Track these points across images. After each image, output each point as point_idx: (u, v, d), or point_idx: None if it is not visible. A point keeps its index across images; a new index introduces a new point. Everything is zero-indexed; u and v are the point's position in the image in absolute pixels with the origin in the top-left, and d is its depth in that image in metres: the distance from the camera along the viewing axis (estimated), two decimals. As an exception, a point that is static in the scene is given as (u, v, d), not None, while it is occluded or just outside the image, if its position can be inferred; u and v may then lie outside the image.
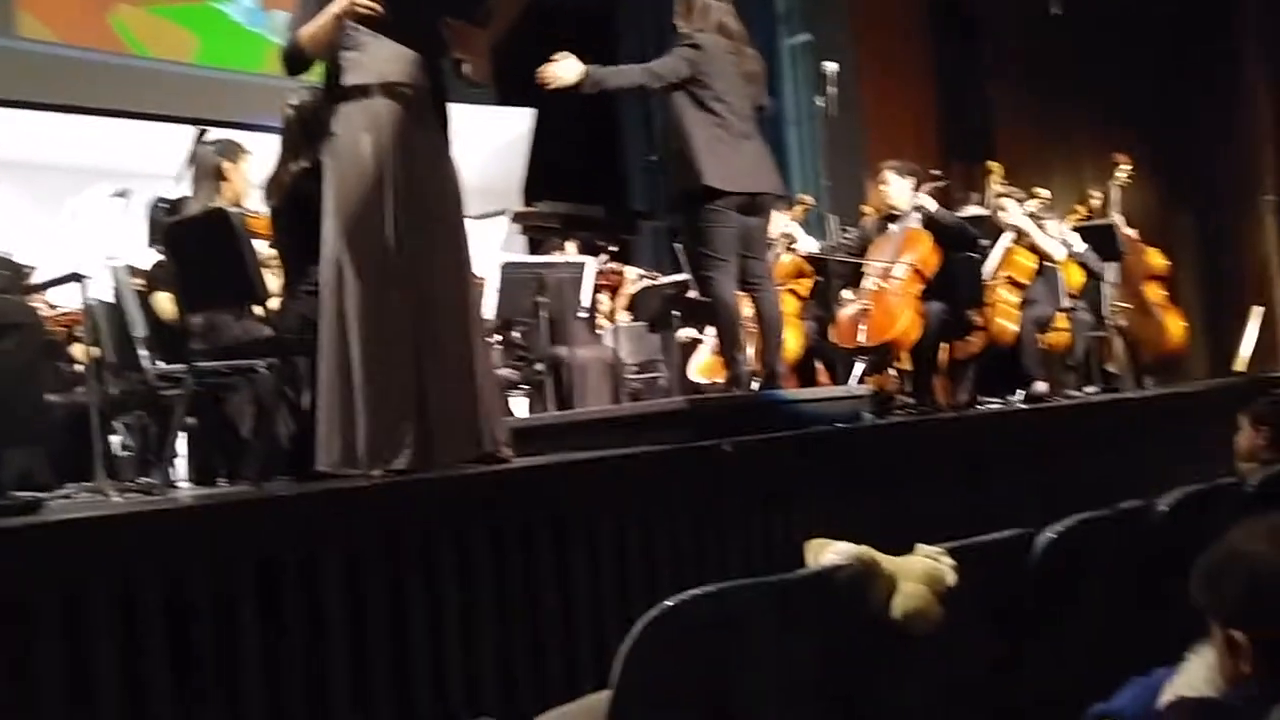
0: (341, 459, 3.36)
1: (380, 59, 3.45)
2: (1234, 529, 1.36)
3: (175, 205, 4.59)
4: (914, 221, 5.79)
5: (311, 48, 3.48)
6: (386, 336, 3.37)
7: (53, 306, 5.13)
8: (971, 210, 6.74)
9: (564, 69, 4.33)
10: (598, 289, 6.62)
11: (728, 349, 4.66)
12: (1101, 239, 6.76)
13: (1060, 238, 6.48)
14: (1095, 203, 7.60)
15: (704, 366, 6.46)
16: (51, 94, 7.23)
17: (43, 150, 7.20)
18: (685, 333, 6.76)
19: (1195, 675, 1.35)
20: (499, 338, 5.98)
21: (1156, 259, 7.51)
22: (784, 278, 6.34)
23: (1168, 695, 1.33)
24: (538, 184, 8.07)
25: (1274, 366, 7.88)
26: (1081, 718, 1.45)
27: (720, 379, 5.55)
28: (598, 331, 6.63)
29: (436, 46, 3.55)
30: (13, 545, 2.42)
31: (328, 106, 3.52)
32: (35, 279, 4.72)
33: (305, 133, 3.93)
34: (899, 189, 5.88)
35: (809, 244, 6.50)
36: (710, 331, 6.29)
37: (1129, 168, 7.50)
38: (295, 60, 3.54)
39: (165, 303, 4.50)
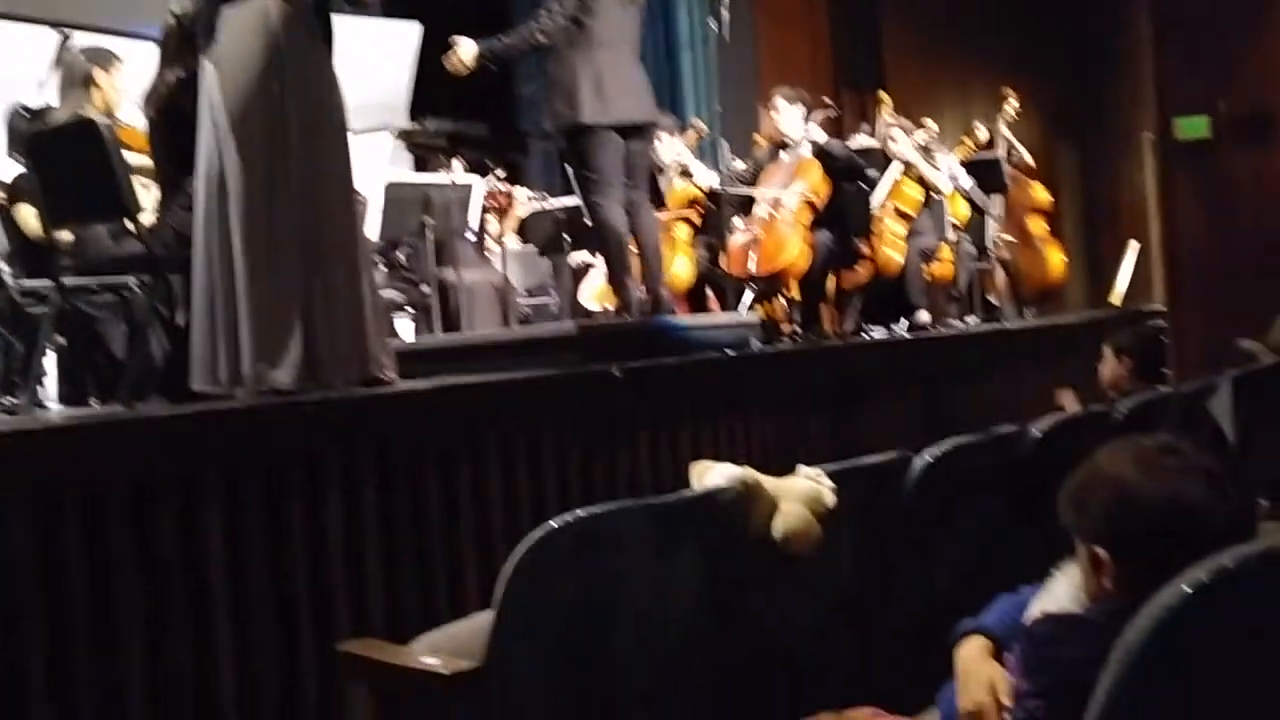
0: (226, 377, 3.27)
1: None
2: (1100, 450, 1.40)
3: (38, 113, 4.36)
4: (805, 150, 5.82)
5: None
6: (274, 250, 3.26)
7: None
8: (861, 140, 6.81)
9: (463, 53, 4.38)
10: (486, 210, 6.53)
11: (616, 274, 4.65)
12: (987, 172, 6.89)
13: (948, 170, 6.58)
14: (980, 135, 7.73)
15: (598, 293, 6.43)
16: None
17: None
18: (579, 257, 6.71)
19: (1060, 592, 1.40)
20: (383, 258, 5.87)
21: (1040, 193, 7.69)
22: (677, 205, 6.33)
23: (1033, 610, 1.38)
24: (424, 101, 7.87)
25: (1149, 300, 8.15)
26: (950, 633, 1.50)
27: (612, 305, 5.55)
28: (486, 254, 6.55)
29: None
30: None
31: (212, 12, 3.36)
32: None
33: (185, 42, 3.77)
34: (789, 116, 5.90)
35: (702, 171, 6.49)
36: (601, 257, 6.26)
37: (1016, 103, 7.63)
38: None
39: (29, 217, 4.30)
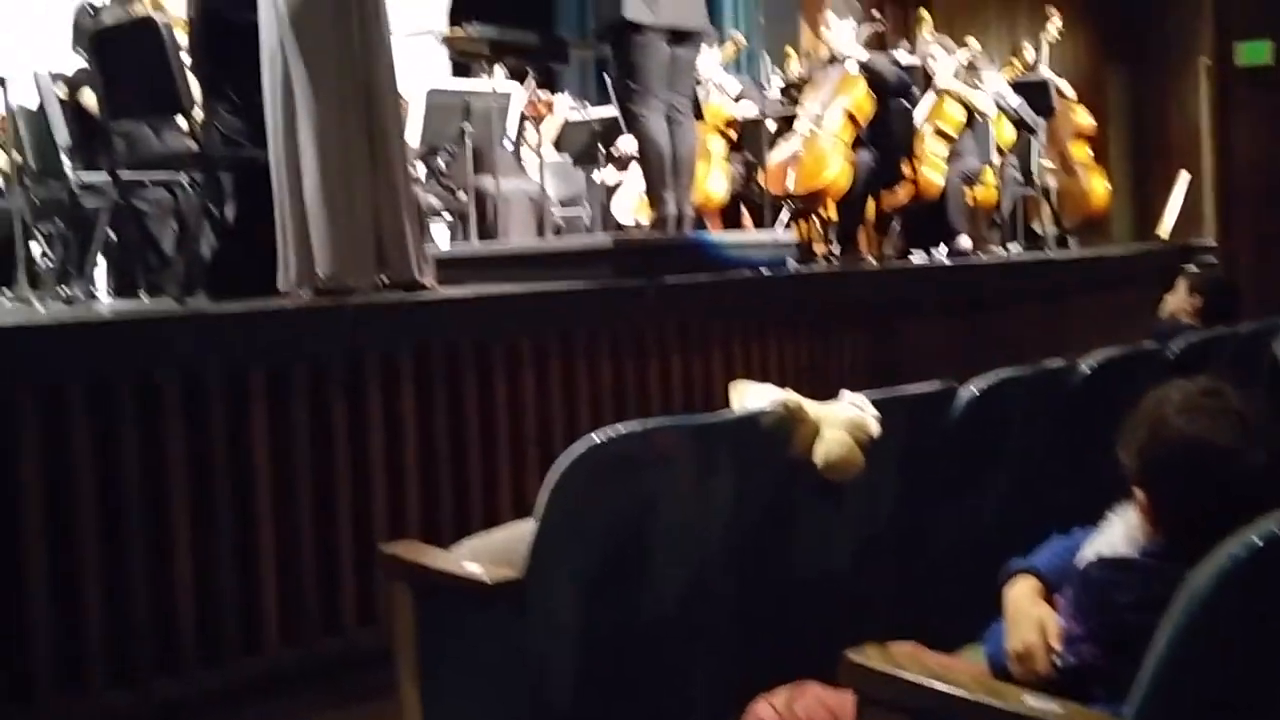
0: (296, 278, 3.30)
1: None
2: (1153, 390, 1.39)
3: (100, 11, 4.38)
4: (852, 66, 5.69)
5: None
6: (348, 161, 3.30)
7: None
8: (901, 57, 6.67)
9: None
10: (524, 119, 6.47)
11: (654, 188, 4.59)
12: (1035, 94, 6.74)
13: (994, 91, 6.44)
14: (1028, 56, 7.56)
15: (632, 206, 6.39)
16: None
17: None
18: (611, 174, 6.67)
19: (1115, 534, 1.39)
20: (423, 164, 5.84)
21: (1083, 117, 7.52)
22: (713, 120, 6.25)
23: (1086, 552, 1.38)
24: (461, 5, 7.73)
25: (1200, 235, 7.95)
26: (999, 572, 1.50)
27: (646, 219, 5.50)
28: (522, 163, 6.51)
29: None
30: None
31: None
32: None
33: None
34: (839, 30, 5.75)
35: (735, 88, 6.42)
36: (635, 170, 6.21)
37: (1059, 23, 7.44)
38: None
39: (90, 100, 4.33)
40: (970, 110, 6.25)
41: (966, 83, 6.32)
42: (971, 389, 2.15)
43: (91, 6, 4.56)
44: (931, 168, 6.07)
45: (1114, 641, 1.25)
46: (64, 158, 4.31)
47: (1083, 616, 1.30)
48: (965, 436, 2.13)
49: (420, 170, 5.73)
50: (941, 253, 5.92)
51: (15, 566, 2.40)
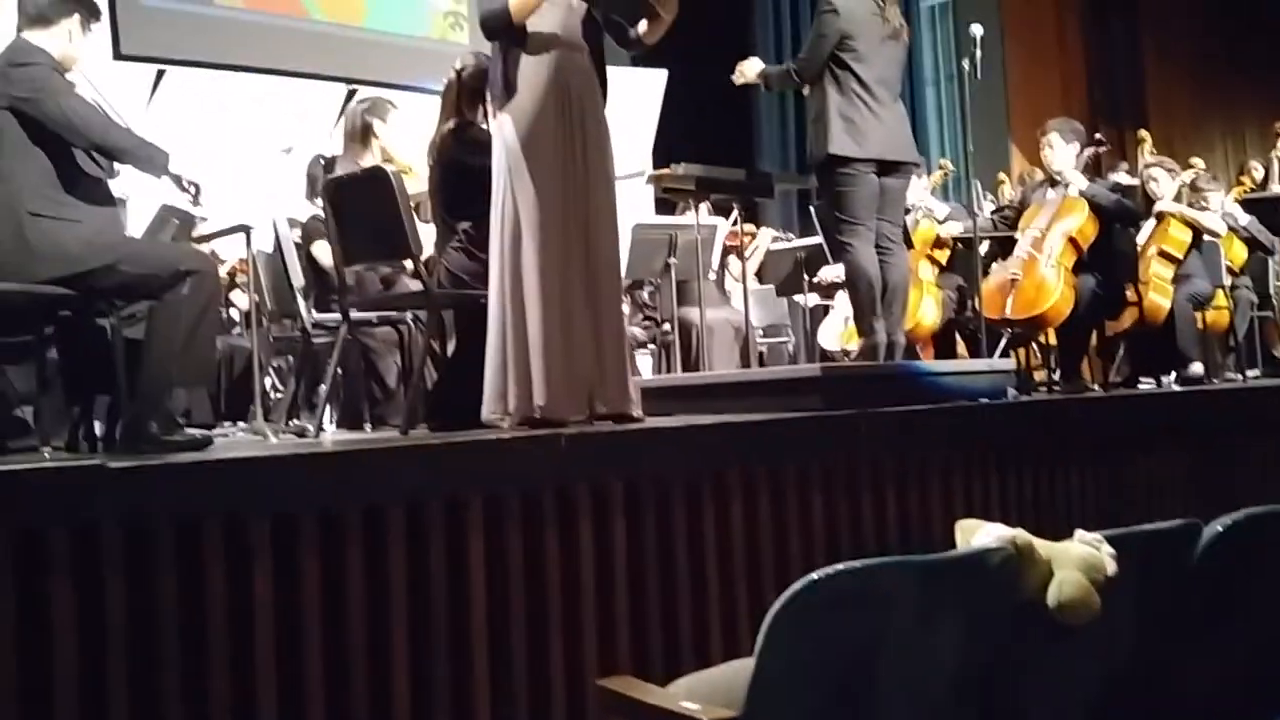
0: (515, 408, 3.41)
1: (556, 17, 3.50)
2: None
3: (332, 162, 4.73)
4: (1074, 190, 5.55)
5: (519, 15, 3.51)
6: (568, 296, 3.45)
7: (217, 256, 5.37)
8: (1121, 179, 6.49)
9: (747, 68, 4.74)
10: (727, 251, 6.59)
11: (863, 317, 4.56)
12: (1268, 212, 6.41)
13: (1222, 210, 6.16)
14: (1257, 174, 7.24)
15: (840, 334, 6.36)
16: (231, 55, 7.40)
17: (212, 107, 7.44)
18: (812, 299, 6.69)
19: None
20: (628, 297, 6.00)
21: (1323, 234, 7.09)
22: (922, 245, 6.20)
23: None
24: (667, 145, 8.02)
25: None
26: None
27: (853, 347, 5.46)
28: (725, 293, 6.61)
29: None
30: (187, 479, 2.56)
31: (507, 66, 3.52)
32: (203, 229, 4.91)
33: (462, 95, 4.01)
34: (1063, 152, 5.63)
35: (943, 211, 6.38)
36: (840, 298, 6.21)
37: (1292, 135, 7.11)
38: (499, 26, 3.55)
39: (322, 253, 4.64)
40: (1197, 231, 5.99)
41: (1191, 203, 6.08)
42: (1216, 527, 2.02)
43: (324, 158, 4.93)
44: (1157, 291, 5.82)
45: None
46: (299, 298, 4.63)
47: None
48: (1210, 577, 1.99)
49: (625, 303, 5.89)
50: (1171, 380, 5.62)
51: (248, 694, 2.50)
